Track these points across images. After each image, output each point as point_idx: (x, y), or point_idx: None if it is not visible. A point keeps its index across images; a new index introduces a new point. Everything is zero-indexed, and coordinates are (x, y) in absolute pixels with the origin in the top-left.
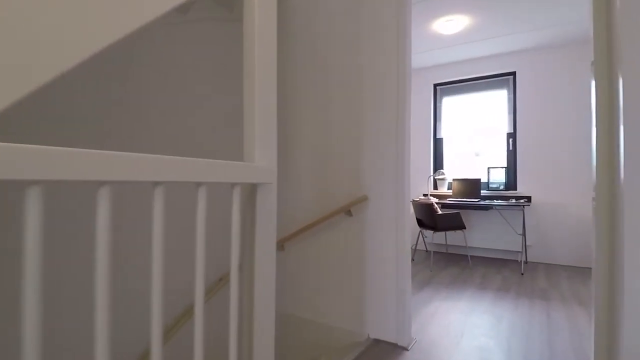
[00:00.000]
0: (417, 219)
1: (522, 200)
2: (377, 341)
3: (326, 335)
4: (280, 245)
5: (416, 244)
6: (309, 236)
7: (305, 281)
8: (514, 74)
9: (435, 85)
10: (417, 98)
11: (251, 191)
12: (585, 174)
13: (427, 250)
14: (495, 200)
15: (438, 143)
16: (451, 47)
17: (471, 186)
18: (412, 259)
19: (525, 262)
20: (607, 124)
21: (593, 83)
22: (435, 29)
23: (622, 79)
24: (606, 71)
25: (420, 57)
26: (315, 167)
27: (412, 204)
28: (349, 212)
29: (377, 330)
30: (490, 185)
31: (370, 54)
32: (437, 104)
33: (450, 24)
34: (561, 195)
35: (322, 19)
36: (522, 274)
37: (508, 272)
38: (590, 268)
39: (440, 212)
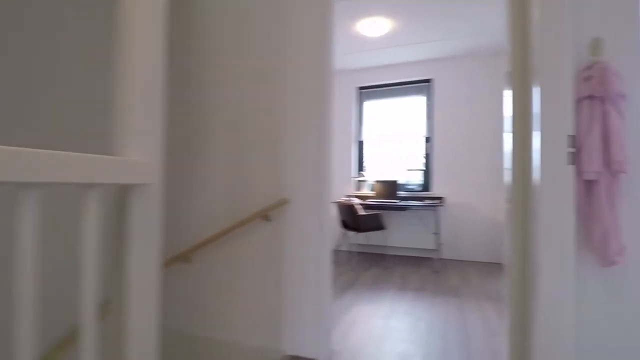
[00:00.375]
0: (341, 220)
1: (436, 201)
2: (294, 358)
3: (237, 356)
4: (186, 257)
5: (339, 246)
6: (221, 245)
7: (215, 296)
8: (431, 81)
9: (359, 89)
10: (341, 100)
11: (123, 195)
12: (493, 177)
13: (350, 251)
14: (411, 201)
15: (360, 145)
16: (375, 51)
17: (389, 188)
18: (335, 261)
19: (440, 260)
20: (522, 130)
21: (508, 92)
22: (360, 30)
23: (540, 88)
24: (521, 81)
25: (345, 58)
26: (230, 168)
27: (336, 205)
28: (266, 217)
29: (295, 345)
30: (408, 187)
31: (291, 50)
32: (360, 107)
33: (375, 26)
34: (471, 196)
35: (237, 11)
36: (437, 271)
37: (425, 270)
38: (497, 263)
39: (361, 213)
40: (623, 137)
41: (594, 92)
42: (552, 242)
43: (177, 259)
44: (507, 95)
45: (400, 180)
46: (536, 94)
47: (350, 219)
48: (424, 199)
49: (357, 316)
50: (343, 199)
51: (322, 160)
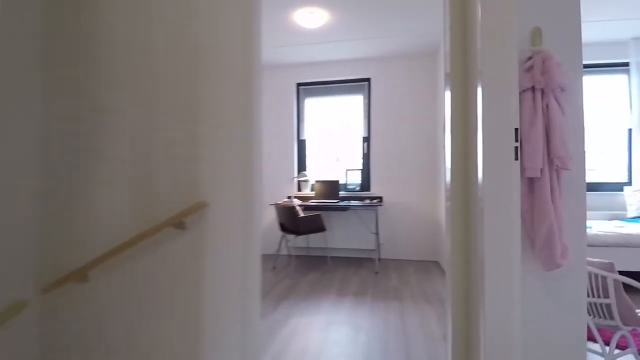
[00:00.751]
0: (280, 223)
1: (375, 201)
2: None
3: None
4: (83, 275)
5: (278, 250)
6: (126, 259)
7: (118, 321)
8: (369, 80)
9: (298, 85)
10: (280, 97)
11: None
12: (429, 176)
13: (289, 255)
14: (352, 201)
15: (302, 144)
16: (313, 46)
17: (331, 188)
18: (274, 267)
19: (379, 260)
20: (462, 130)
21: (448, 93)
22: (297, 21)
23: (484, 85)
24: (461, 82)
25: (282, 51)
26: (136, 168)
27: (275, 207)
28: (181, 224)
29: None
30: (348, 187)
31: (211, 33)
32: (300, 105)
33: (312, 17)
34: (407, 196)
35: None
36: (377, 272)
37: (365, 272)
38: (433, 261)
39: (302, 215)
40: (564, 132)
41: (535, 84)
42: (499, 243)
43: (70, 278)
44: (447, 96)
45: (341, 180)
46: (479, 91)
47: (290, 222)
48: (364, 199)
49: (293, 330)
50: (284, 200)
51: (250, 158)
